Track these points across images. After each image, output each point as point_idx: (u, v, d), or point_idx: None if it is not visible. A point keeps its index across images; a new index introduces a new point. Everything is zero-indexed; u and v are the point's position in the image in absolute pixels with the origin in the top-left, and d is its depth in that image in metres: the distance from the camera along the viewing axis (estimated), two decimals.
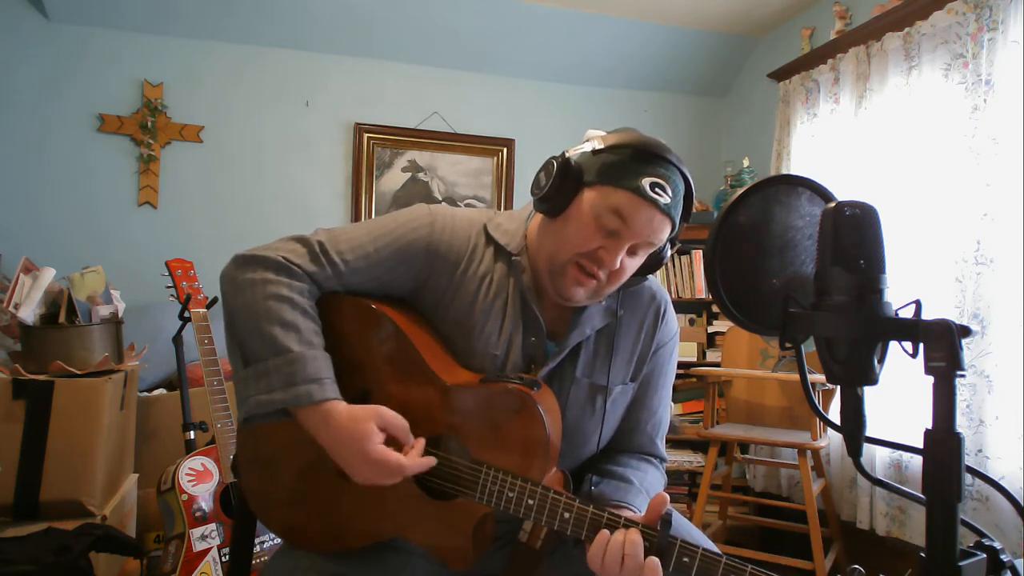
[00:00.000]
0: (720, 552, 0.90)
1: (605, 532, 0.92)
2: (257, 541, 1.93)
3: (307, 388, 0.94)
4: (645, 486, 1.11)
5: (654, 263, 1.10)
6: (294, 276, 1.02)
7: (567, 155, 1.05)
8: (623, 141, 1.02)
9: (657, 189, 1.00)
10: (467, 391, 1.01)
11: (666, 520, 0.91)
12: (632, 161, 1.01)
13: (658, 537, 0.90)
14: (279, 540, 1.98)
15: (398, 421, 0.97)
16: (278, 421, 1.00)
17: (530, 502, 0.95)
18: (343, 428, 0.94)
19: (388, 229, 1.08)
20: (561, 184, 1.03)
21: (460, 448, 1.02)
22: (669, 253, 1.12)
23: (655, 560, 0.88)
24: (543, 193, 1.04)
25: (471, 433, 1.00)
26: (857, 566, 0.75)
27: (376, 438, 0.94)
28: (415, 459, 0.96)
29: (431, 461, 0.97)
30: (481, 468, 0.98)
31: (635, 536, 0.90)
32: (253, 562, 1.87)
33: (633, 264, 1.06)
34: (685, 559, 0.89)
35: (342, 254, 1.05)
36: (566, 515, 0.94)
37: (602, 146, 1.03)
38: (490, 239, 1.12)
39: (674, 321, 1.22)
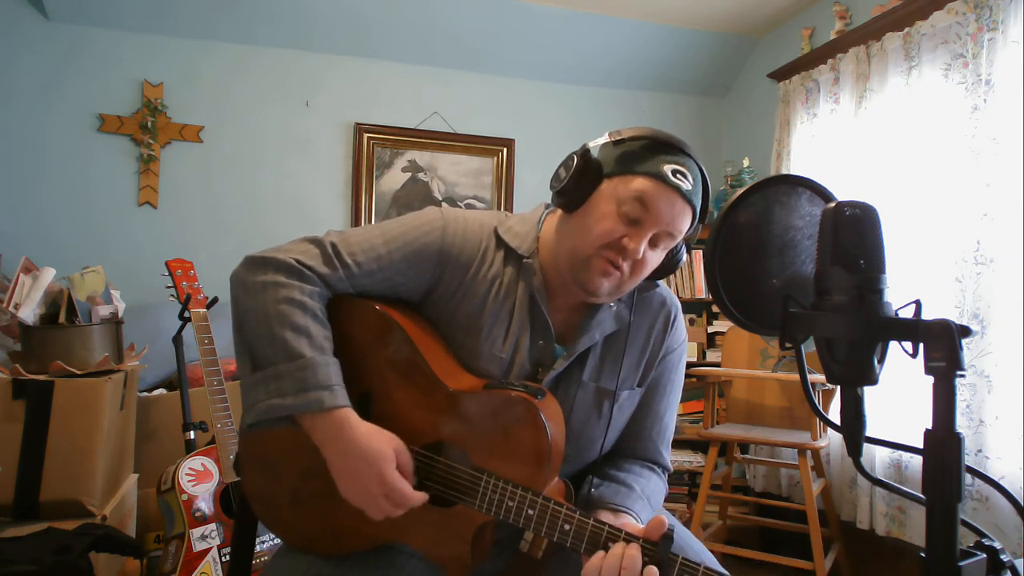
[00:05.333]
0: (724, 572, 0.88)
1: (601, 552, 0.90)
2: (257, 541, 1.93)
3: (318, 395, 0.93)
4: (646, 493, 1.09)
5: (670, 265, 1.09)
6: (305, 279, 1.01)
7: (586, 148, 1.04)
8: (641, 132, 1.02)
9: (679, 175, 0.99)
10: (469, 397, 1.00)
11: (667, 536, 0.90)
12: (651, 150, 1.01)
13: (658, 553, 0.89)
14: (279, 541, 1.98)
15: (408, 457, 0.98)
16: (281, 428, 0.99)
17: (530, 512, 0.94)
18: (361, 443, 0.93)
19: (400, 232, 1.07)
20: (581, 177, 1.02)
21: (461, 455, 1.00)
22: (684, 257, 1.11)
23: (653, 569, 0.87)
24: (563, 186, 1.02)
25: (472, 440, 0.99)
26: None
27: (394, 462, 0.94)
28: (418, 496, 0.95)
29: (424, 498, 0.96)
30: (482, 476, 0.96)
31: (634, 551, 0.88)
32: (253, 562, 1.87)
33: (655, 258, 1.04)
34: None
35: (354, 256, 1.04)
36: (566, 527, 0.93)
37: (620, 137, 1.03)
38: (501, 242, 1.10)
39: (683, 328, 1.20)
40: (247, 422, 0.98)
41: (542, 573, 1.00)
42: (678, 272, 3.52)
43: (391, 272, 1.05)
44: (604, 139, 1.05)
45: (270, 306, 0.97)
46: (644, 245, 1.00)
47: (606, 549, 0.91)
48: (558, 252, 1.06)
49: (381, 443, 0.94)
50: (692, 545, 1.07)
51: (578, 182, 1.02)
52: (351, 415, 0.95)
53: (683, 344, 1.20)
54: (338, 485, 0.95)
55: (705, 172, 1.04)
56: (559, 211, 1.08)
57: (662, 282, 1.18)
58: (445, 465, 1.00)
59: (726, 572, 0.88)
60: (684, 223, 1.02)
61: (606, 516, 0.98)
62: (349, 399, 0.97)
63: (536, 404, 0.95)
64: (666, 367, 1.17)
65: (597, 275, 1.01)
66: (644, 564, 0.88)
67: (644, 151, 1.00)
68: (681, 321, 1.20)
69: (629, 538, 0.91)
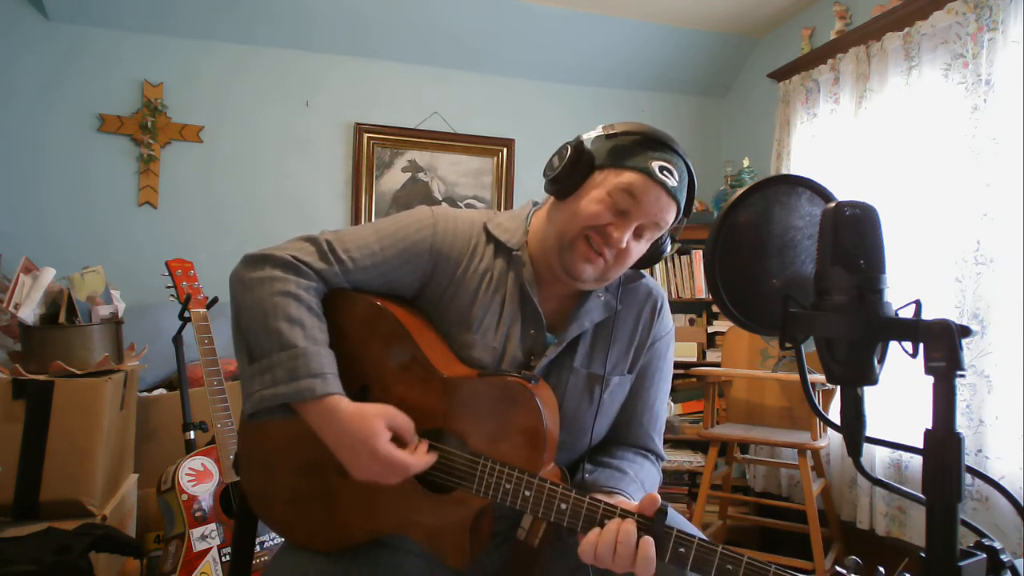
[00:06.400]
0: (717, 546, 0.89)
1: (597, 529, 0.92)
2: (257, 541, 1.93)
3: (310, 382, 0.95)
4: (640, 477, 1.12)
5: (654, 255, 1.13)
6: (302, 274, 1.04)
7: (580, 139, 1.09)
8: (633, 128, 1.07)
9: (665, 172, 1.04)
10: (465, 384, 1.03)
11: (661, 511, 0.92)
12: (642, 146, 1.05)
13: (653, 527, 0.90)
14: (279, 540, 1.98)
15: (405, 421, 0.99)
16: (280, 419, 1.00)
17: (527, 493, 0.96)
18: (350, 425, 0.95)
19: (393, 230, 1.11)
20: (574, 166, 1.06)
21: (458, 441, 1.02)
22: (669, 247, 1.15)
23: (648, 539, 0.89)
24: (556, 174, 1.07)
25: (469, 426, 1.02)
26: (854, 557, 0.76)
27: (384, 436, 0.95)
28: (419, 458, 0.97)
29: (433, 457, 0.98)
30: (479, 460, 0.99)
31: (629, 525, 0.91)
32: (253, 562, 1.87)
33: (638, 249, 1.09)
34: (681, 549, 0.90)
35: (349, 252, 1.07)
36: (563, 506, 0.95)
37: (613, 132, 1.07)
38: (491, 237, 1.14)
39: (669, 318, 1.24)
40: (246, 412, 1.00)
41: (540, 562, 1.01)
42: (678, 272, 3.52)
43: (385, 268, 1.09)
44: (598, 132, 1.09)
45: (266, 299, 1.00)
46: (628, 235, 1.05)
47: (602, 526, 0.93)
48: (547, 237, 1.11)
49: (367, 421, 0.96)
50: (685, 528, 1.08)
51: (571, 171, 1.07)
52: (340, 400, 0.97)
53: (670, 332, 1.24)
54: (347, 470, 0.97)
55: (692, 168, 1.09)
56: (547, 206, 1.14)
57: (649, 275, 1.23)
58: (442, 451, 1.02)
59: (718, 546, 0.88)
60: (669, 216, 1.08)
61: (600, 498, 1.00)
62: (348, 391, 0.99)
63: (531, 388, 0.99)
64: (654, 355, 1.20)
65: (580, 260, 1.06)
66: (639, 537, 0.90)
67: (634, 146, 1.05)
68: (667, 310, 1.24)
69: (624, 514, 0.93)
